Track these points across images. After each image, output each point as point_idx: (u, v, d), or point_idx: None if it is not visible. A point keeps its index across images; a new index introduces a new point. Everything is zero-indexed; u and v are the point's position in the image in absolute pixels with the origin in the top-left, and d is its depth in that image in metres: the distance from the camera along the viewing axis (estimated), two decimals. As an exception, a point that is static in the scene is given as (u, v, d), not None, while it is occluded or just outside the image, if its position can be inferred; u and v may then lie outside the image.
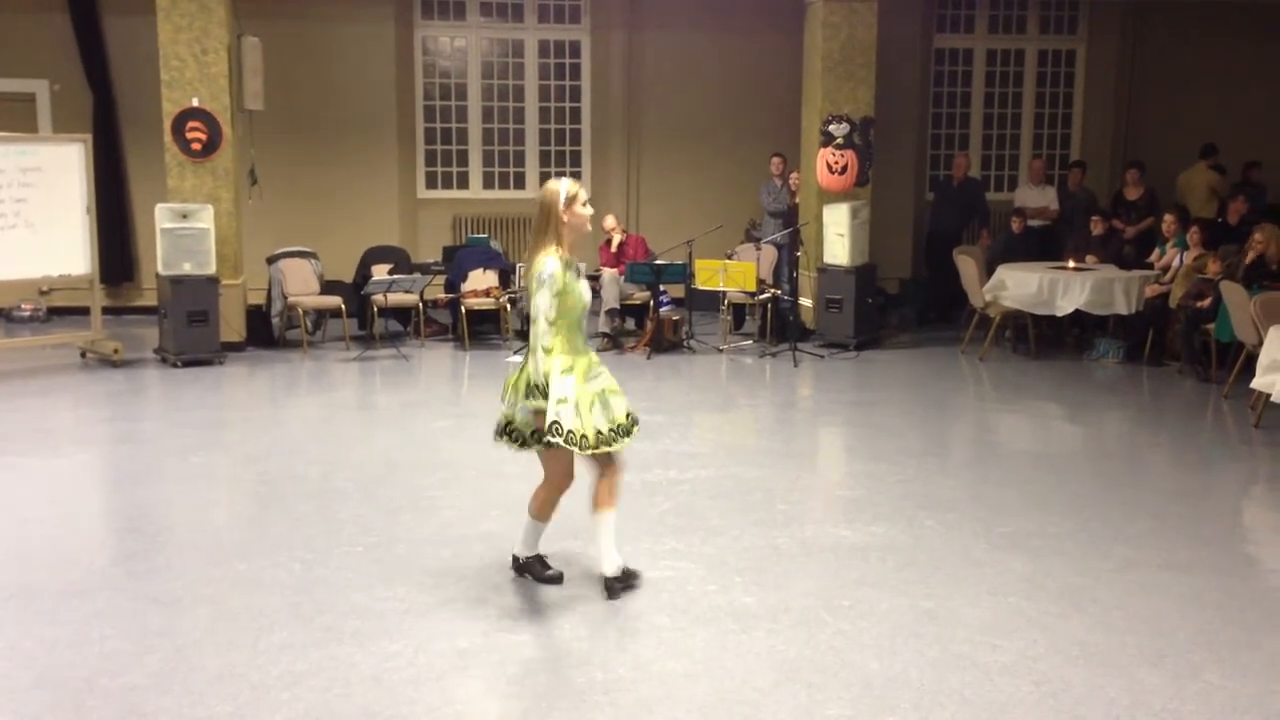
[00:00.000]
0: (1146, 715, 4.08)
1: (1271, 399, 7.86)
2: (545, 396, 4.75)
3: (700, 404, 9.25)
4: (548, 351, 4.77)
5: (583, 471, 5.08)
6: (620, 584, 5.10)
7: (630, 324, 12.01)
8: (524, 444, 5.01)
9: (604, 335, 11.26)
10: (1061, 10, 14.56)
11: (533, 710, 4.16)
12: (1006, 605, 5.02)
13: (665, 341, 11.13)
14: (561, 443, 4.75)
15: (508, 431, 5.05)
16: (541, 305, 4.76)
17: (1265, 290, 9.17)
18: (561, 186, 4.93)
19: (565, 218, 4.88)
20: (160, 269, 10.31)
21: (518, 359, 10.57)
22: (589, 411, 4.82)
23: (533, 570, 5.24)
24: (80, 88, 12.75)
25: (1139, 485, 7.06)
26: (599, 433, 4.82)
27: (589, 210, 5.00)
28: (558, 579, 5.21)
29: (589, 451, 4.82)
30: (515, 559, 5.31)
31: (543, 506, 5.13)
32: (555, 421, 4.72)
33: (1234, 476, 7.48)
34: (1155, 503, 6.60)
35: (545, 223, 4.90)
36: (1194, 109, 14.15)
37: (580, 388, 4.81)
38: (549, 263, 4.79)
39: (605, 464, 5.03)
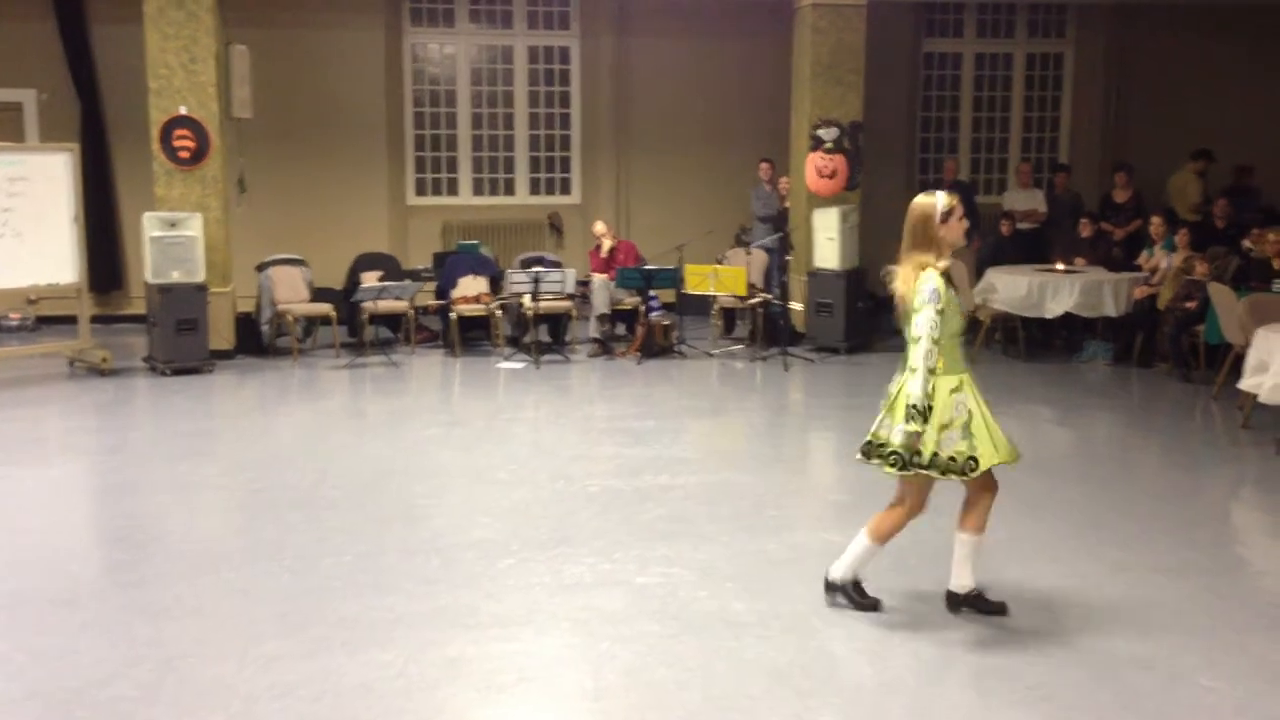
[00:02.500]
0: (1137, 718, 4.08)
1: (1259, 399, 7.88)
2: (926, 420, 4.57)
3: (691, 409, 9.25)
4: (932, 372, 4.57)
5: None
6: (963, 602, 4.95)
7: (621, 329, 12.00)
8: (904, 466, 4.66)
9: (594, 340, 11.25)
10: (1049, 14, 14.61)
11: (523, 719, 4.15)
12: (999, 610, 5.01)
13: (656, 346, 11.13)
14: (935, 472, 4.63)
15: (882, 454, 4.73)
16: (926, 324, 4.55)
17: (1253, 292, 9.21)
18: (938, 199, 4.73)
19: (943, 232, 4.70)
20: (149, 277, 10.29)
21: (508, 365, 10.60)
22: (991, 425, 4.69)
23: (849, 594, 5.01)
24: (68, 97, 12.71)
25: (1129, 487, 7.07)
26: (994, 449, 4.66)
27: (966, 223, 4.84)
28: (875, 605, 4.98)
29: (976, 473, 4.63)
30: (830, 582, 5.03)
31: (891, 532, 4.88)
32: (935, 452, 4.60)
33: (1223, 478, 7.50)
34: (1145, 505, 6.61)
35: (922, 236, 4.70)
36: (1181, 111, 14.19)
37: (978, 402, 4.69)
38: (931, 279, 4.60)
39: (985, 485, 4.81)
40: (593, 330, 11.28)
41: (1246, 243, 10.76)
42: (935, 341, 4.57)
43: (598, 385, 10.10)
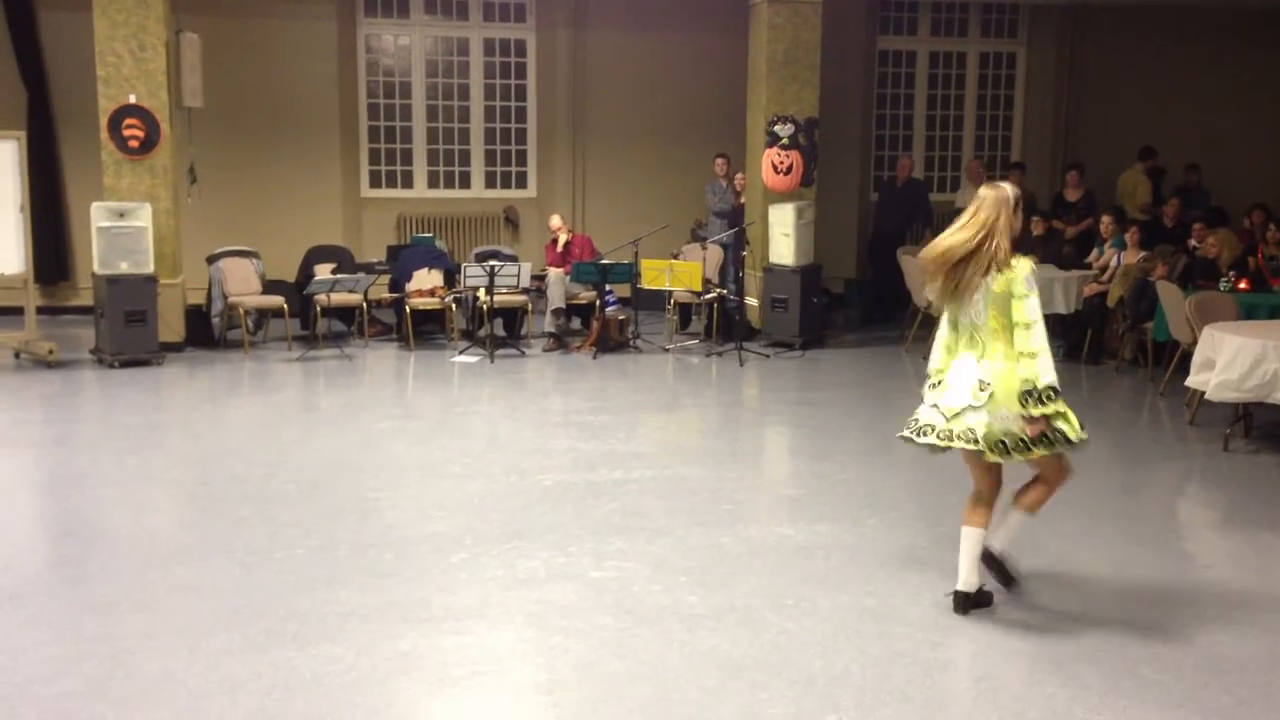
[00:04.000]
0: (1083, 709, 4.14)
1: (1205, 397, 8.01)
2: (1043, 402, 4.64)
3: (646, 404, 9.26)
4: (1033, 356, 4.66)
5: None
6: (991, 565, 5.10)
7: (576, 323, 11.99)
8: (1015, 452, 4.77)
9: (550, 335, 11.23)
10: (1002, 14, 14.75)
11: (476, 713, 4.14)
12: (947, 603, 5.05)
13: (611, 341, 11.12)
14: (1063, 447, 4.76)
15: (1024, 445, 4.75)
16: (1036, 309, 4.69)
17: (1199, 290, 9.35)
18: (1010, 190, 4.83)
19: (1013, 221, 4.78)
20: (96, 268, 10.14)
21: (463, 359, 10.56)
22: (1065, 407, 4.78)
23: (1001, 567, 5.13)
24: (13, 84, 12.48)
25: (1076, 482, 7.07)
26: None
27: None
28: (1014, 580, 5.16)
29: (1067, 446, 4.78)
30: (989, 552, 5.07)
31: (1038, 504, 5.03)
32: (1058, 429, 4.71)
33: (1169, 473, 7.62)
34: (1092, 500, 6.70)
35: (997, 222, 4.73)
36: (1132, 111, 14.41)
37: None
38: (1028, 267, 4.71)
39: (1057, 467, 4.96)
40: (548, 324, 11.25)
41: (1193, 241, 10.93)
42: (1034, 323, 4.69)
43: (553, 379, 10.08)
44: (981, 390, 4.75)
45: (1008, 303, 4.72)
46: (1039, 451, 4.75)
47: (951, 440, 4.80)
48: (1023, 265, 4.72)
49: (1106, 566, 5.61)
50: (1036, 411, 4.65)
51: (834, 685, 4.29)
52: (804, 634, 4.73)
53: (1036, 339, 4.69)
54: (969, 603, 4.96)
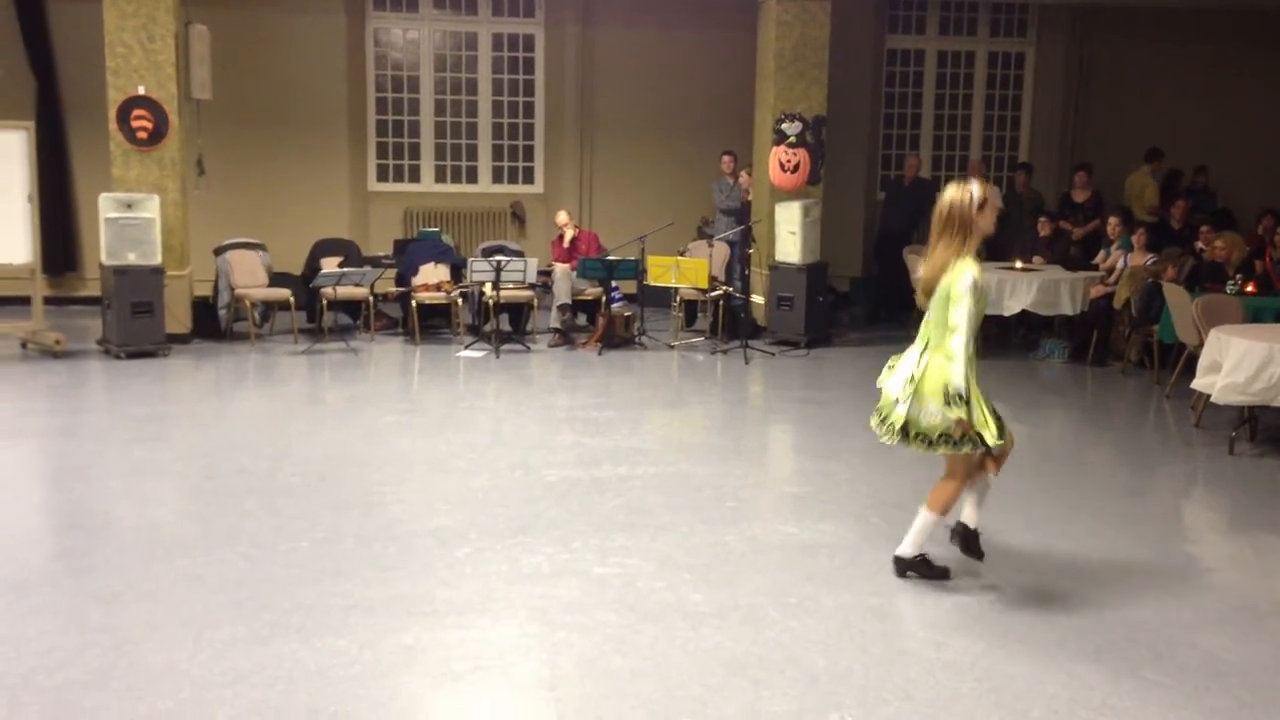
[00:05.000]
0: (1085, 710, 4.14)
1: (1211, 399, 7.99)
2: (966, 404, 4.82)
3: (651, 400, 9.26)
4: (967, 359, 4.82)
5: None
6: (908, 567, 5.28)
7: (582, 319, 11.99)
8: (931, 446, 4.98)
9: (555, 331, 11.24)
10: (1011, 14, 14.72)
11: (478, 707, 4.15)
12: (951, 602, 5.07)
13: (617, 337, 11.12)
14: (979, 448, 4.95)
15: (912, 435, 5.00)
16: (964, 316, 4.79)
17: (1206, 293, 9.34)
18: (973, 190, 4.88)
19: (978, 221, 4.86)
20: (104, 259, 10.15)
21: (469, 354, 10.56)
22: (988, 412, 4.95)
23: (918, 568, 5.28)
24: (23, 74, 12.50)
25: (1081, 484, 7.16)
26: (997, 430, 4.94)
27: (997, 210, 5.04)
28: (945, 573, 5.28)
29: (987, 447, 4.95)
30: (900, 558, 5.31)
31: (949, 502, 5.18)
32: (979, 431, 4.87)
33: (1174, 476, 7.61)
34: (1096, 501, 6.70)
35: (955, 227, 4.86)
36: (1141, 112, 14.38)
37: (976, 390, 4.92)
38: (969, 273, 4.80)
39: (980, 466, 5.19)
40: (554, 320, 11.26)
41: (1199, 244, 10.91)
42: (968, 330, 4.80)
43: (558, 375, 10.09)
44: (910, 383, 4.98)
45: (947, 302, 4.87)
46: (942, 449, 4.96)
47: (881, 433, 5.09)
48: (964, 268, 4.81)
49: (1110, 568, 5.60)
50: (953, 414, 4.84)
51: (837, 683, 4.29)
52: (807, 632, 4.74)
53: (956, 344, 4.81)
54: (906, 566, 5.29)
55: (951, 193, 4.93)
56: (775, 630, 4.75)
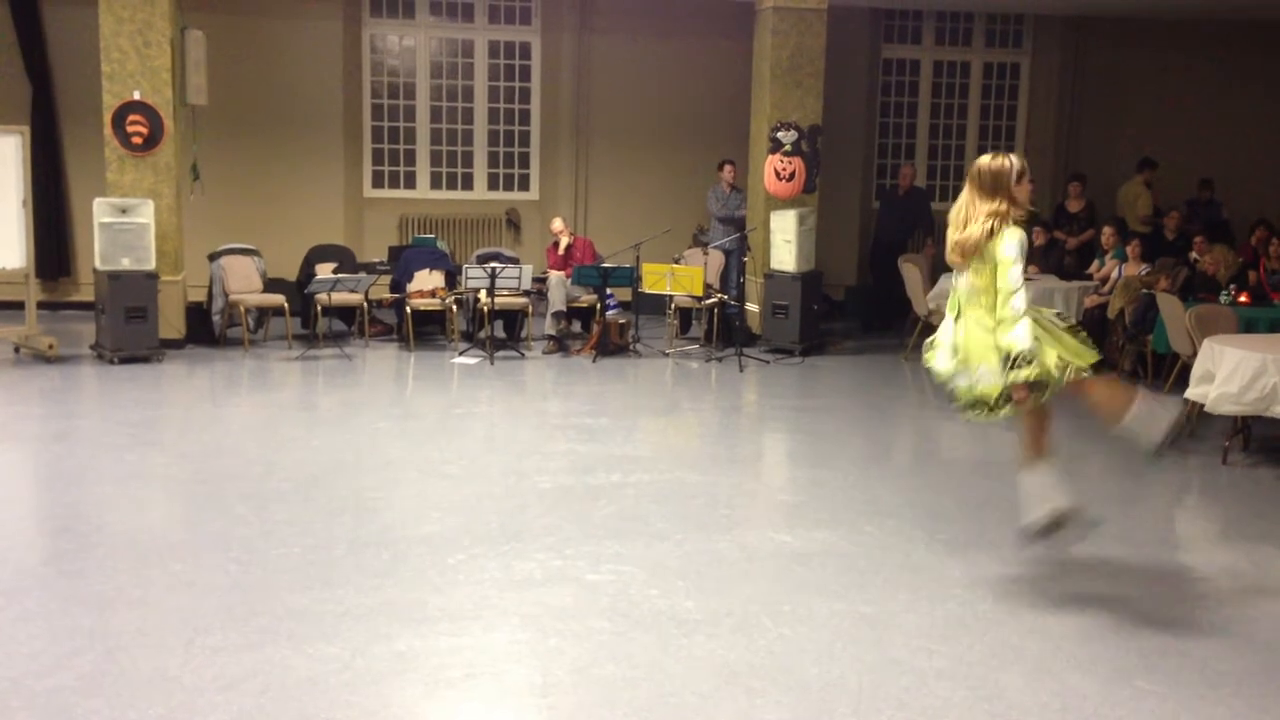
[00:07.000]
0: (1078, 719, 4.14)
1: (1204, 409, 8.00)
2: (1028, 364, 4.86)
3: (645, 408, 9.26)
4: (1018, 319, 4.83)
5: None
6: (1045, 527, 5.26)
7: (576, 326, 11.99)
8: (992, 411, 5.05)
9: (550, 338, 11.23)
10: (1007, 24, 14.75)
11: (470, 714, 4.14)
12: (944, 611, 5.06)
13: (611, 345, 11.12)
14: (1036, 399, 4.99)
15: (978, 404, 5.08)
16: (1018, 275, 4.84)
17: (1200, 303, 9.35)
18: (1012, 160, 4.98)
19: (1017, 194, 4.95)
20: (98, 264, 10.14)
21: (463, 360, 10.55)
22: (1068, 343, 5.07)
23: (1052, 525, 5.27)
24: (18, 78, 12.49)
25: (1074, 493, 7.13)
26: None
27: (1032, 187, 5.11)
28: (1069, 517, 5.29)
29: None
30: (1032, 526, 5.29)
31: (1046, 445, 5.25)
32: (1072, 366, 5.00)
33: (1168, 486, 7.61)
34: (1089, 510, 6.68)
35: (991, 189, 4.93)
36: (1135, 123, 14.41)
37: (1048, 334, 5.02)
38: (1017, 235, 4.88)
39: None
40: (548, 327, 11.25)
41: (1193, 254, 10.93)
42: (1018, 290, 4.84)
43: (552, 382, 10.08)
44: (955, 354, 5.04)
45: (994, 267, 4.91)
46: (1004, 411, 5.02)
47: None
48: (1012, 233, 4.89)
49: (1102, 577, 5.60)
50: (1021, 376, 4.88)
51: (830, 692, 4.28)
52: (800, 640, 4.73)
53: (1017, 303, 4.86)
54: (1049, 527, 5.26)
55: (988, 159, 5.00)
56: (768, 638, 4.74)
